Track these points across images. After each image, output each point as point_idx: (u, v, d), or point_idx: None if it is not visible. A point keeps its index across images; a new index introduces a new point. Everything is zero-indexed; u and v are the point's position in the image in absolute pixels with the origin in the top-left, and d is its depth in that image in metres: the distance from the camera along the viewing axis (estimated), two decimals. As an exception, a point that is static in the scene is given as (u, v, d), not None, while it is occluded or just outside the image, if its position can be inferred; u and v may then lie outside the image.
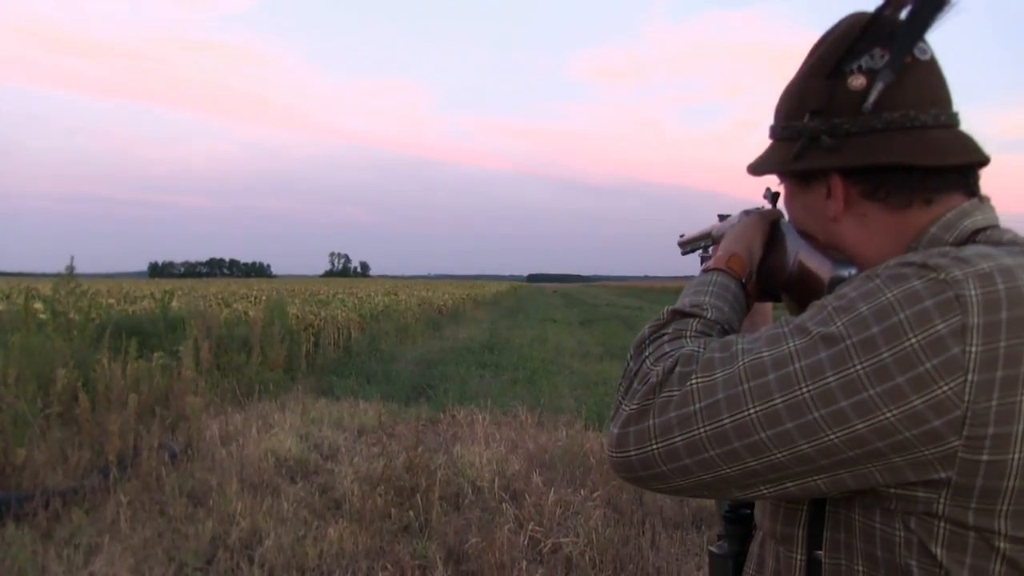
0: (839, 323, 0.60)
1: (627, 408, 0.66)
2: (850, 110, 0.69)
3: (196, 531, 3.53)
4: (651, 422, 0.64)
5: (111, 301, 11.70)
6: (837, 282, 0.71)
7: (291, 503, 3.95)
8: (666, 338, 0.71)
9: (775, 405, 0.60)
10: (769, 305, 0.98)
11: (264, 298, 13.07)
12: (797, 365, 0.60)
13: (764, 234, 0.85)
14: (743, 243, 0.84)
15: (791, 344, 0.61)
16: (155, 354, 6.00)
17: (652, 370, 0.67)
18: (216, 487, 4.12)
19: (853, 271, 0.72)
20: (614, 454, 0.66)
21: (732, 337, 0.67)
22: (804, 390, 0.59)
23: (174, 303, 9.97)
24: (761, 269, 0.84)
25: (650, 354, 0.69)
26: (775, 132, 0.78)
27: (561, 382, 8.20)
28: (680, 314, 0.74)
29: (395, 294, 21.36)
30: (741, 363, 0.62)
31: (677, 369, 0.65)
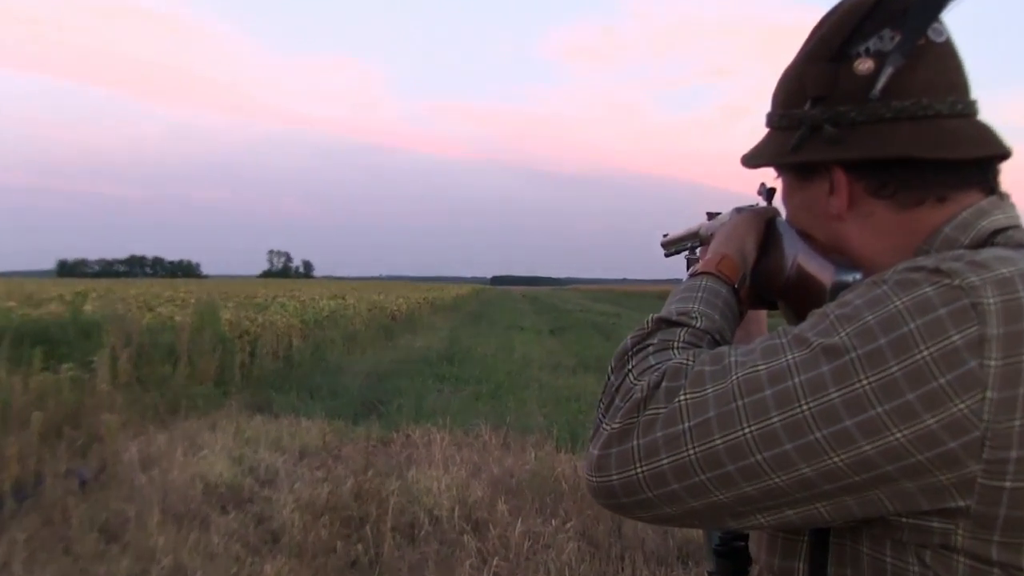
0: (842, 333, 0.60)
1: (608, 427, 0.66)
2: (856, 97, 0.70)
3: (109, 571, 3.44)
4: (635, 443, 0.64)
5: (11, 304, 11.39)
6: (840, 288, 0.71)
7: (222, 536, 3.88)
8: (651, 350, 0.71)
9: (772, 424, 0.60)
10: (764, 313, 0.98)
11: (193, 301, 12.89)
12: (796, 380, 0.60)
13: (758, 234, 0.85)
14: (735, 244, 0.84)
15: (789, 356, 0.61)
16: (64, 365, 5.86)
17: (636, 385, 0.66)
18: (134, 519, 4.02)
19: (858, 276, 0.73)
20: (594, 478, 0.65)
21: (724, 349, 0.67)
22: (804, 407, 0.59)
23: (87, 306, 9.76)
24: (755, 273, 0.84)
25: (633, 367, 0.69)
26: (772, 120, 0.78)
27: (529, 397, 8.22)
28: (666, 323, 0.74)
29: (342, 297, 21.20)
30: (734, 377, 0.62)
31: (663, 384, 0.65)
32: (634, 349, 0.72)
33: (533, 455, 5.52)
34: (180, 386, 7.26)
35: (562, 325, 21.03)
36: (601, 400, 0.69)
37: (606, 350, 12.97)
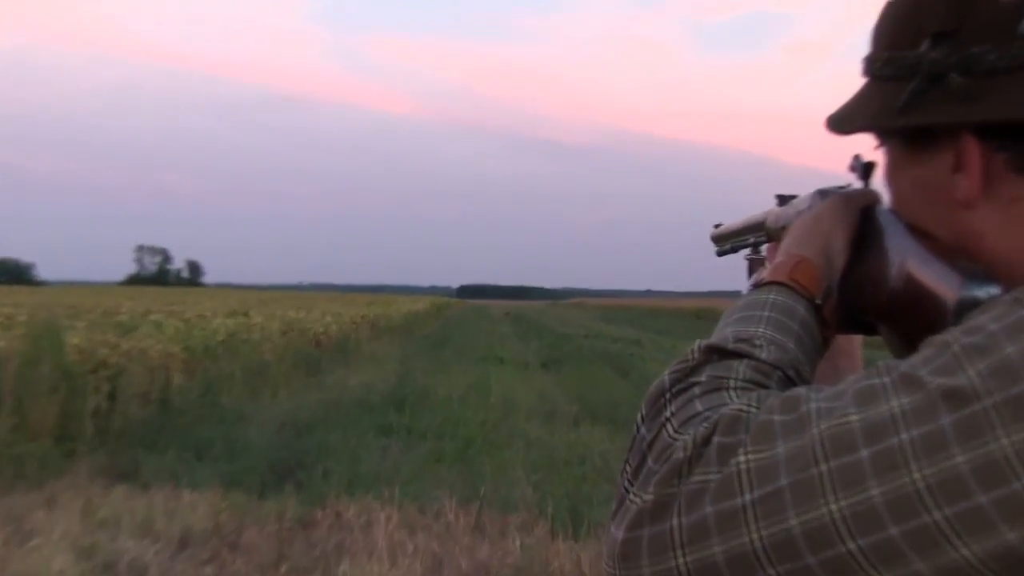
0: (972, 371, 0.61)
1: (638, 499, 0.66)
2: (997, 33, 0.71)
3: None
4: (675, 521, 0.64)
5: None
6: (968, 306, 0.72)
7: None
8: (697, 391, 0.72)
9: (870, 498, 0.60)
10: (858, 340, 0.99)
11: (23, 319, 12.78)
12: (904, 436, 0.61)
13: (851, 228, 0.86)
14: (817, 242, 0.85)
15: (895, 403, 0.62)
16: None
17: (676, 441, 0.67)
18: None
19: (994, 290, 0.74)
20: (618, 571, 0.66)
21: (800, 390, 0.68)
22: (916, 476, 0.60)
23: None
24: (846, 283, 0.85)
25: (673, 415, 0.70)
26: (872, 67, 0.79)
27: (513, 459, 8.27)
28: (719, 353, 0.75)
29: (244, 314, 21.13)
30: (816, 431, 0.63)
31: (715, 439, 0.65)
32: (674, 390, 0.72)
33: (518, 542, 5.55)
34: (1, 443, 7.20)
35: (559, 356, 21.10)
36: (627, 462, 0.70)
37: (624, 392, 13.02)
